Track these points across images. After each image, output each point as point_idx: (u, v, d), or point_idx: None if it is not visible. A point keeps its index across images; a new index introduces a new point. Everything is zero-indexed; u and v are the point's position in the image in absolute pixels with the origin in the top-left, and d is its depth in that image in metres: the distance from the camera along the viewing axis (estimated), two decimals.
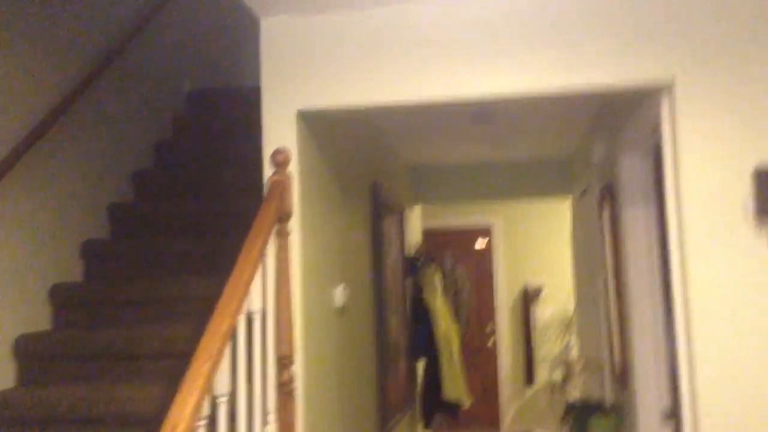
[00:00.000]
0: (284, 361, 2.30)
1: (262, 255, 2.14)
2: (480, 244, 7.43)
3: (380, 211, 3.95)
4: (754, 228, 2.15)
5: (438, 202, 5.64)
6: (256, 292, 2.11)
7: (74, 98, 3.17)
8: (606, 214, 3.68)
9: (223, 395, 1.86)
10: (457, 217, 7.33)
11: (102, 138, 3.49)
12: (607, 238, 3.66)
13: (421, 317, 5.04)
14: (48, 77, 3.11)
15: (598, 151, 3.72)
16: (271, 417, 2.20)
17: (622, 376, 3.41)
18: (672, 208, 2.31)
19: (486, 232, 7.41)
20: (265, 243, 2.15)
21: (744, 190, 2.17)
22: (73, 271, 3.21)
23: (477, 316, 7.37)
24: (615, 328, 3.55)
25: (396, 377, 4.29)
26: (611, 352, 3.67)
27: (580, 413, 3.44)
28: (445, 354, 5.03)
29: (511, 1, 2.33)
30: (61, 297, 3.03)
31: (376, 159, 4.09)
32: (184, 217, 3.42)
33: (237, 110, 4.13)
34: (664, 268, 3.06)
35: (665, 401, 3.04)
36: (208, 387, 1.73)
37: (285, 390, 2.28)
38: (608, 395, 3.75)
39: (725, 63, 2.21)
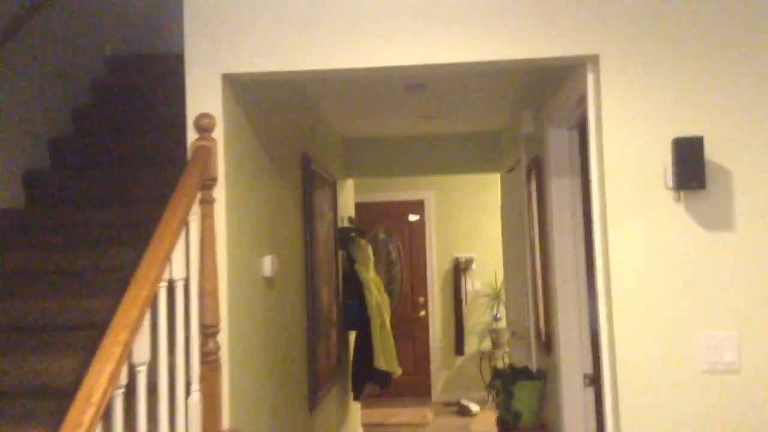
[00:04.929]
0: (209, 331, 2.26)
1: (184, 222, 2.08)
2: (413, 216, 7.49)
3: (312, 182, 3.91)
4: (673, 195, 2.22)
5: (371, 174, 5.64)
6: (178, 260, 2.05)
7: None
8: (533, 186, 3.74)
9: (142, 364, 1.81)
10: (391, 190, 7.35)
11: (15, 102, 3.30)
12: (534, 210, 3.73)
13: (353, 289, 5.05)
14: None
15: (526, 124, 3.78)
16: (195, 387, 2.15)
17: (547, 344, 3.51)
18: (595, 176, 2.36)
19: (419, 204, 7.47)
20: (187, 210, 2.09)
21: (664, 159, 2.23)
22: None
23: (410, 288, 7.45)
24: (540, 298, 3.64)
25: (327, 348, 4.30)
26: (537, 321, 3.76)
27: (507, 378, 3.52)
28: (376, 325, 5.06)
29: None
30: None
31: (307, 130, 4.03)
32: (103, 186, 3.29)
33: (161, 76, 3.98)
34: (588, 239, 3.14)
35: (587, 367, 3.14)
36: (126, 355, 1.67)
37: (210, 359, 2.24)
38: (534, 362, 3.86)
39: (647, 39, 2.27)
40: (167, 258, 1.94)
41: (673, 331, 2.22)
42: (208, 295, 2.24)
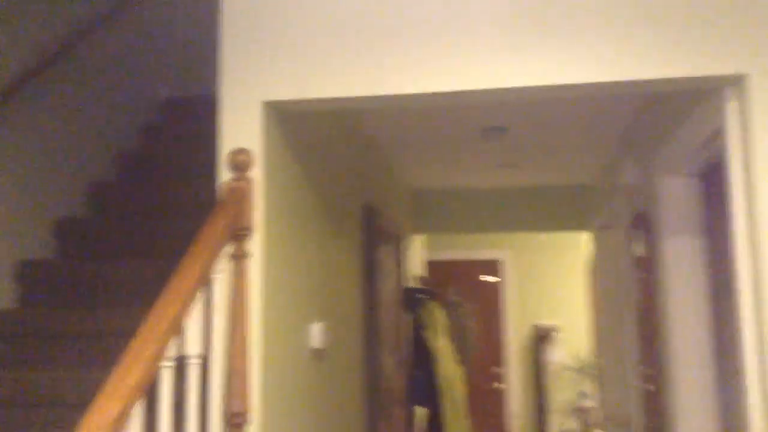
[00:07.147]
0: (236, 420, 1.77)
1: (204, 282, 1.63)
2: (488, 278, 6.88)
3: (375, 237, 3.43)
4: None
5: (443, 231, 5.11)
6: (193, 331, 1.59)
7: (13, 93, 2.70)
8: (638, 246, 3.15)
9: None
10: (464, 249, 6.79)
11: (54, 144, 3.00)
12: (639, 275, 3.13)
13: (421, 359, 4.49)
14: None
15: (628, 173, 3.21)
16: None
17: None
18: (741, 237, 1.79)
19: (495, 265, 6.86)
20: (208, 267, 1.63)
21: None
22: (6, 298, 2.70)
23: (484, 357, 6.78)
24: (652, 382, 3.00)
25: (390, 429, 3.73)
26: (647, 410, 3.11)
27: None
28: (447, 401, 4.46)
29: None
30: None
31: (371, 179, 3.58)
32: (142, 238, 2.91)
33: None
34: (716, 308, 2.53)
35: None
36: None
37: None
38: None
39: None
40: (173, 330, 1.48)
41: None
42: (236, 375, 1.77)
